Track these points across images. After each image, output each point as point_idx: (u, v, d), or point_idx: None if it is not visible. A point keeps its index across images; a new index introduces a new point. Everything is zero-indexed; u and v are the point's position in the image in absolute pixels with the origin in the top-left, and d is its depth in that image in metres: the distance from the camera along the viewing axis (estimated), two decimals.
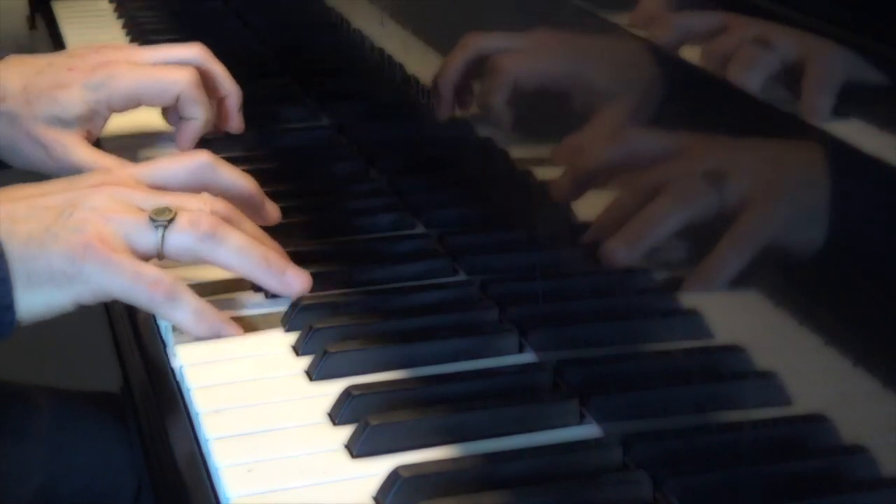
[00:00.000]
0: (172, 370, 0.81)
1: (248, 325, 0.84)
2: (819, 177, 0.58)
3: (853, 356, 0.56)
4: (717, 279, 0.66)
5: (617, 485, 0.67)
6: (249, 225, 0.86)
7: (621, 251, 0.73)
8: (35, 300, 0.81)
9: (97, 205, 0.82)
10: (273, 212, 0.93)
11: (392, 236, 0.96)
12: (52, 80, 1.03)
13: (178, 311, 0.81)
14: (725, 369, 0.66)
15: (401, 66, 1.05)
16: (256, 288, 0.87)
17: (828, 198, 0.57)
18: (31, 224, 0.81)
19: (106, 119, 1.05)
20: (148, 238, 0.82)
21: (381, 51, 1.10)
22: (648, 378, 0.72)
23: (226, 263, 0.83)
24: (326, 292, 0.86)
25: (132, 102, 1.05)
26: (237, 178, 0.90)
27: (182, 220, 0.82)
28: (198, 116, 1.05)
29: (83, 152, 1.02)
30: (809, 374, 0.60)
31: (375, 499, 0.67)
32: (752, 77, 0.61)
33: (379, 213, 0.98)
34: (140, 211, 0.83)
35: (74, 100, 1.02)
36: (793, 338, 0.60)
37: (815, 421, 0.59)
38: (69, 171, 0.99)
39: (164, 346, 0.83)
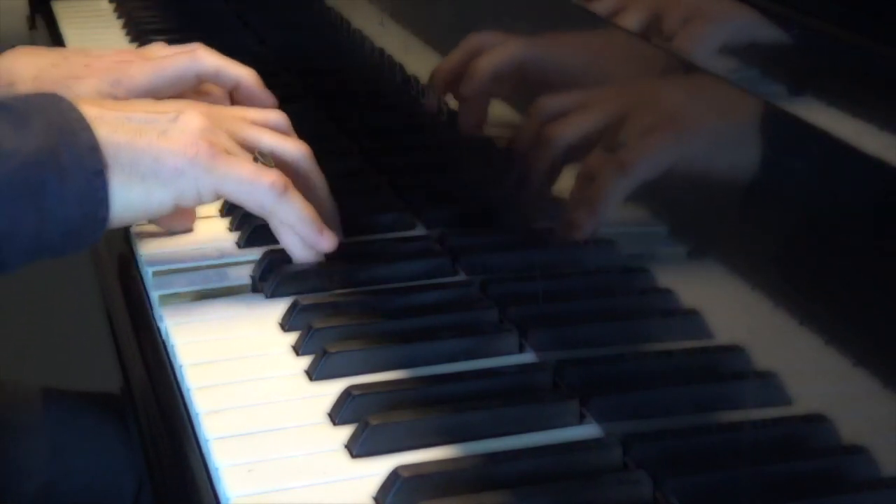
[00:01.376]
0: (173, 370, 0.81)
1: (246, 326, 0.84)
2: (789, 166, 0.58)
3: (853, 356, 0.56)
4: (601, 207, 0.68)
5: (617, 485, 0.67)
6: (321, 178, 0.91)
7: (583, 223, 0.75)
8: (134, 196, 0.81)
9: (200, 115, 0.84)
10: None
11: (392, 236, 0.96)
12: (66, 72, 1.02)
13: (287, 205, 0.84)
14: (725, 369, 0.66)
15: (401, 66, 1.05)
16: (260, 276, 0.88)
17: (820, 199, 0.57)
18: (135, 122, 0.82)
19: None
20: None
21: (381, 51, 1.10)
22: (648, 378, 0.72)
23: (286, 222, 0.85)
24: (326, 292, 0.87)
25: (151, 95, 1.04)
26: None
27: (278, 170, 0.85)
28: (238, 76, 1.02)
29: None
30: (809, 374, 0.60)
31: (375, 499, 0.67)
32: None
33: (379, 213, 0.98)
34: (238, 146, 0.85)
35: (89, 91, 1.02)
36: (793, 338, 0.60)
37: (815, 421, 0.59)
38: None
39: (165, 346, 0.83)
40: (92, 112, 0.82)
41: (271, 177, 0.83)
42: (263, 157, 0.86)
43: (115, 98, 1.00)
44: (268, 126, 0.90)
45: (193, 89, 1.02)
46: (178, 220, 0.94)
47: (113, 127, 0.81)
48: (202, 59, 1.01)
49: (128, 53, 1.06)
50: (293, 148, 0.89)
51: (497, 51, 0.85)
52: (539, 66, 0.81)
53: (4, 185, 0.77)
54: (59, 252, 0.82)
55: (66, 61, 1.03)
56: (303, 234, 0.85)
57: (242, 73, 1.02)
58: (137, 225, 0.96)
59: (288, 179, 0.85)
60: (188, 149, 0.82)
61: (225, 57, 1.02)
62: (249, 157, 0.85)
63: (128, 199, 0.81)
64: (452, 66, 0.91)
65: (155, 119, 0.83)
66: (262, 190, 0.83)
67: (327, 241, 0.86)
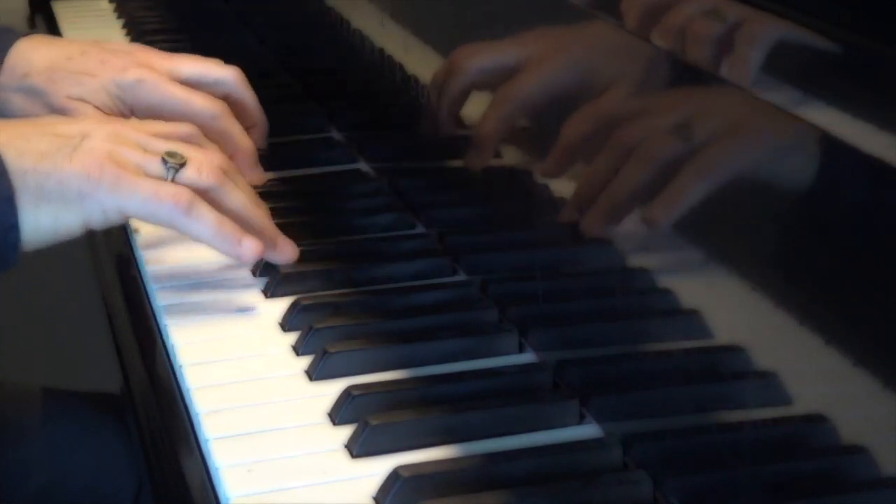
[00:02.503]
0: (173, 370, 0.81)
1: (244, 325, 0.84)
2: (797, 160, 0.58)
3: (853, 356, 0.56)
4: (677, 206, 0.67)
5: (617, 485, 0.67)
6: (244, 183, 0.88)
7: (599, 223, 0.74)
8: (42, 220, 0.81)
9: (107, 134, 0.83)
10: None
11: (392, 236, 0.96)
12: (81, 67, 1.01)
13: (196, 222, 0.82)
14: (725, 369, 0.66)
15: (400, 66, 1.05)
16: (260, 272, 0.88)
17: (822, 200, 0.57)
18: (42, 144, 0.81)
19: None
20: (159, 176, 0.83)
21: (381, 51, 1.10)
22: (648, 378, 0.72)
23: (227, 212, 0.84)
24: (326, 292, 0.87)
25: (153, 116, 1.00)
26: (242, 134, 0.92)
27: (192, 167, 0.83)
28: (234, 142, 1.00)
29: None
30: (809, 374, 0.60)
31: (375, 499, 0.67)
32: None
33: (379, 213, 0.98)
34: (149, 151, 0.84)
35: (99, 89, 1.00)
36: (793, 338, 0.60)
37: (815, 421, 0.59)
38: None
39: (165, 346, 0.83)
40: (1, 138, 0.81)
41: (173, 196, 0.81)
42: (173, 157, 0.83)
43: (122, 101, 1.00)
44: (177, 137, 0.87)
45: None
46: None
47: (20, 151, 0.81)
48: (206, 118, 0.98)
49: (149, 55, 1.04)
50: (221, 71, 0.89)
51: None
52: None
53: None
54: None
55: (83, 55, 1.02)
56: (220, 249, 0.83)
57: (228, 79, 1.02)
58: (136, 224, 0.96)
59: (193, 194, 0.82)
60: (92, 170, 0.81)
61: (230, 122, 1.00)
62: (158, 163, 0.83)
63: (36, 223, 0.80)
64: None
65: (62, 141, 0.82)
66: (165, 209, 0.81)
67: (248, 252, 0.84)
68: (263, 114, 1.04)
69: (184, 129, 0.89)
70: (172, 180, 0.83)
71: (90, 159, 0.81)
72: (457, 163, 0.97)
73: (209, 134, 0.95)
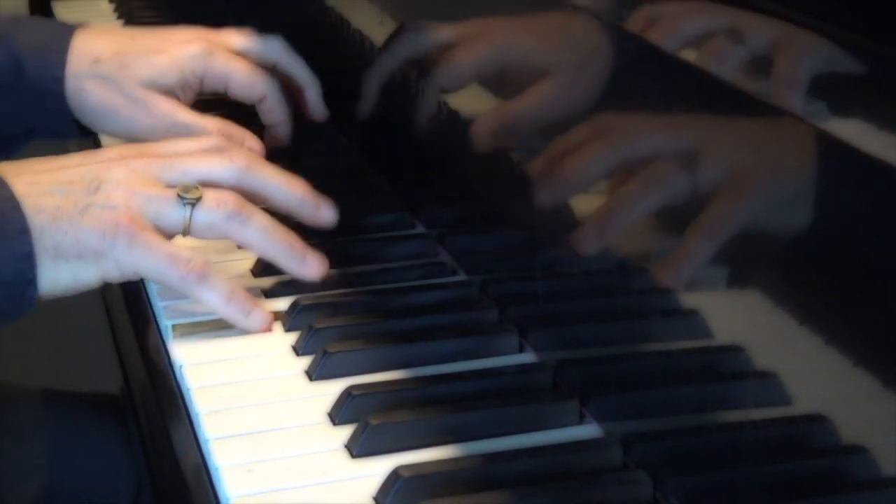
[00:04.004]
0: (173, 370, 0.81)
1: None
2: (799, 170, 0.58)
3: (853, 356, 0.56)
4: (687, 267, 0.66)
5: (617, 485, 0.67)
6: (272, 169, 0.88)
7: (590, 238, 0.74)
8: (61, 275, 0.80)
9: (121, 178, 0.82)
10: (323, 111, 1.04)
11: (392, 236, 0.96)
12: (147, 45, 1.01)
13: (208, 292, 0.82)
14: (725, 369, 0.66)
15: (400, 66, 1.05)
16: (261, 271, 0.88)
17: (813, 192, 0.57)
18: (57, 198, 0.81)
19: (194, 94, 1.04)
20: (176, 215, 0.82)
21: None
22: (648, 378, 0.72)
23: (250, 242, 0.84)
24: (326, 292, 0.87)
25: (221, 86, 1.03)
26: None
27: (209, 199, 0.83)
28: (277, 122, 1.04)
29: (188, 113, 1.00)
30: (809, 374, 0.60)
31: (375, 499, 0.67)
32: (725, 63, 0.62)
33: (379, 213, 0.98)
34: (165, 187, 0.83)
35: (171, 65, 1.01)
36: (793, 338, 0.60)
37: (815, 421, 0.59)
38: (173, 131, 0.98)
39: (165, 346, 0.83)
40: (21, 188, 0.81)
41: (186, 264, 0.81)
42: (188, 193, 0.83)
43: (194, 73, 1.01)
44: (200, 151, 0.87)
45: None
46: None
47: (37, 207, 0.80)
48: (272, 92, 1.03)
49: (200, 30, 1.06)
50: (223, 168, 0.86)
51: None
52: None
53: None
54: None
55: (143, 35, 1.04)
56: (231, 318, 0.83)
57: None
58: None
59: (206, 263, 0.82)
60: (107, 229, 0.80)
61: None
62: (173, 201, 0.82)
63: (55, 279, 0.80)
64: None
65: (77, 192, 0.81)
66: (177, 277, 0.81)
67: (256, 322, 0.83)
68: (311, 74, 1.07)
69: (205, 142, 0.89)
70: (190, 217, 0.82)
71: (105, 216, 0.80)
72: (457, 162, 0.97)
73: (277, 100, 1.02)
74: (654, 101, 0.70)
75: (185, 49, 1.02)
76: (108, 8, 1.61)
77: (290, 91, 1.05)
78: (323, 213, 0.89)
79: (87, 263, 0.80)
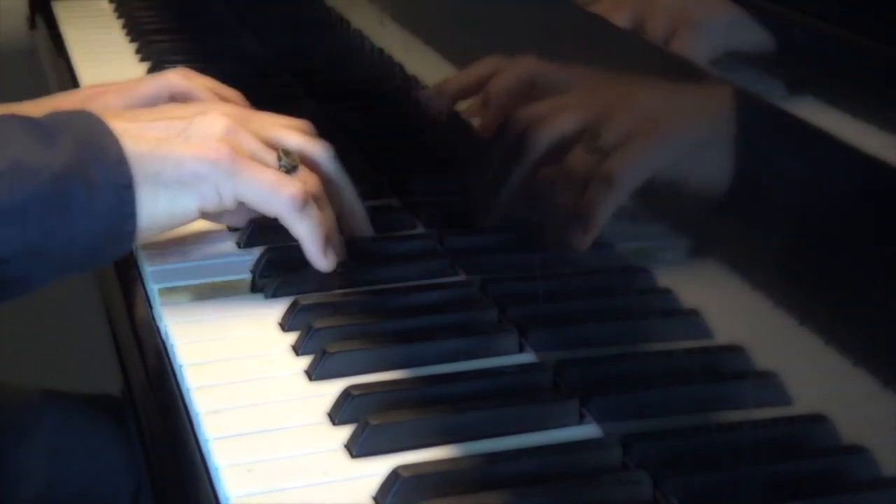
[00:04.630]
0: (173, 370, 0.81)
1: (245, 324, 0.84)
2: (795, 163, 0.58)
3: (853, 356, 0.56)
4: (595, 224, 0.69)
5: (617, 485, 0.67)
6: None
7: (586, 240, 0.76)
8: (160, 203, 0.81)
9: (225, 122, 0.84)
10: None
11: (392, 236, 0.96)
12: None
13: (307, 222, 0.83)
14: (725, 369, 0.66)
15: (401, 66, 1.05)
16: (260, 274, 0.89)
17: (822, 199, 0.57)
18: (158, 131, 0.82)
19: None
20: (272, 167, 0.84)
21: (381, 51, 1.10)
22: (648, 378, 0.72)
23: (304, 230, 0.84)
24: (326, 292, 0.87)
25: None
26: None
27: (303, 172, 0.85)
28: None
29: None
30: (809, 374, 0.60)
31: (375, 499, 0.67)
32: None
33: (379, 214, 0.98)
34: (265, 144, 0.85)
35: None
36: (793, 338, 0.60)
37: (815, 421, 0.59)
38: None
39: (165, 346, 0.83)
40: (118, 125, 0.81)
41: (292, 189, 0.83)
42: (288, 157, 0.85)
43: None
44: (293, 128, 0.89)
45: None
46: (232, 216, 0.92)
47: (136, 138, 0.81)
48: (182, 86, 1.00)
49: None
50: (319, 148, 0.88)
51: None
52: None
53: (34, 200, 0.77)
54: (86, 267, 0.82)
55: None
56: (307, 248, 0.85)
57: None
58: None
59: (310, 193, 0.84)
60: (210, 153, 0.81)
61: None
62: (273, 156, 0.85)
63: (154, 209, 0.81)
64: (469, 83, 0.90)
65: (178, 124, 0.83)
66: (280, 201, 0.82)
67: (326, 264, 0.85)
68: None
69: (299, 122, 0.91)
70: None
71: (208, 141, 0.82)
72: (457, 162, 0.97)
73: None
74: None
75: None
76: (109, 8, 1.61)
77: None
78: (329, 258, 0.87)
79: (186, 189, 0.81)
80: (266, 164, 0.84)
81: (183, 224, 0.85)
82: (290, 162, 0.85)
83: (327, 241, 0.85)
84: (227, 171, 0.81)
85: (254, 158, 0.84)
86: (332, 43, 1.26)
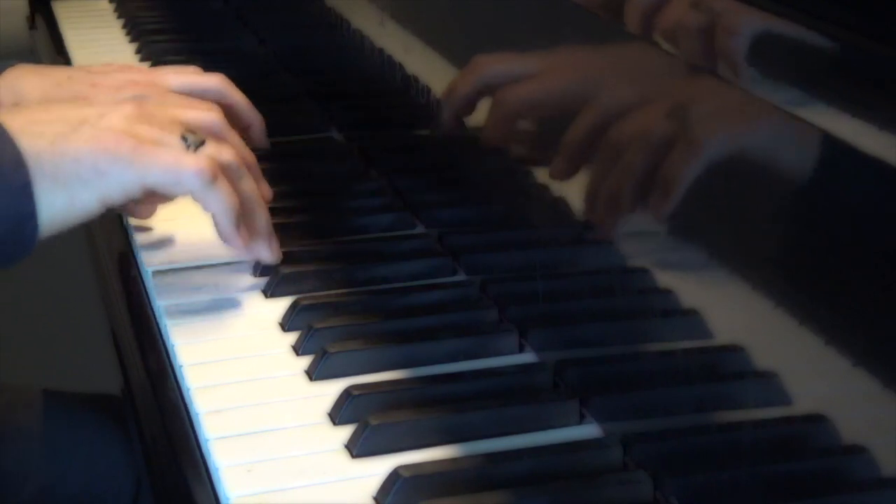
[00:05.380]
0: (173, 370, 0.81)
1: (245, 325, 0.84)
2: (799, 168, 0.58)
3: (853, 356, 0.56)
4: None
5: (617, 485, 0.67)
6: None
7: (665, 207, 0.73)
8: (58, 204, 0.79)
9: (128, 112, 0.82)
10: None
11: (392, 236, 0.96)
12: (73, 92, 0.99)
13: (218, 194, 0.82)
14: (725, 369, 0.66)
15: (401, 66, 1.05)
16: (260, 272, 0.89)
17: (822, 200, 0.57)
18: (56, 126, 0.80)
19: None
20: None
21: (381, 51, 1.10)
22: (648, 378, 0.72)
23: (228, 201, 0.83)
24: (326, 292, 0.87)
25: None
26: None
27: (211, 146, 0.83)
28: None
29: None
30: (809, 374, 0.60)
31: (375, 499, 0.67)
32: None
33: (379, 213, 0.98)
34: (167, 127, 0.83)
35: None
36: (793, 338, 0.60)
37: (815, 421, 0.59)
38: None
39: (165, 346, 0.83)
40: (14, 124, 0.80)
41: (196, 164, 0.81)
42: (193, 134, 0.83)
43: None
44: (206, 95, 0.89)
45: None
46: (142, 209, 0.93)
47: (34, 136, 0.79)
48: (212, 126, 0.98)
49: (135, 72, 1.04)
50: (213, 80, 0.90)
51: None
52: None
53: None
54: None
55: (70, 81, 1.00)
56: (218, 223, 0.84)
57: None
58: (137, 224, 0.96)
59: (218, 166, 0.82)
60: (109, 144, 0.79)
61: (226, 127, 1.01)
62: (177, 138, 0.82)
63: (52, 208, 0.79)
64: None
65: (78, 121, 0.81)
66: (187, 176, 0.81)
67: (237, 242, 0.85)
68: (257, 112, 1.03)
69: (208, 106, 0.89)
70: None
71: (107, 134, 0.80)
72: (457, 163, 0.97)
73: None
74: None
75: (114, 96, 0.97)
76: (109, 8, 1.61)
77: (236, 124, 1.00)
78: (261, 252, 0.88)
79: (86, 185, 0.79)
80: (170, 147, 0.82)
81: (85, 220, 0.82)
82: (196, 139, 0.82)
83: (236, 219, 0.84)
84: (128, 161, 0.80)
85: (157, 144, 0.82)
86: (332, 43, 1.26)
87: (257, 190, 0.87)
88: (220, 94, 1.01)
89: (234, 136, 0.89)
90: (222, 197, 0.82)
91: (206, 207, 0.83)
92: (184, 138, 0.82)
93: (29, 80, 1.00)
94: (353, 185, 1.05)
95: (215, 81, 1.02)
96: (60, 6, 1.61)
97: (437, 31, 0.99)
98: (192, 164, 0.81)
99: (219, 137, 0.87)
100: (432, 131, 0.98)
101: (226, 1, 1.63)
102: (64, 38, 1.49)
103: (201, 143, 0.83)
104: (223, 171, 0.83)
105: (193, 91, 0.99)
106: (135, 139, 0.81)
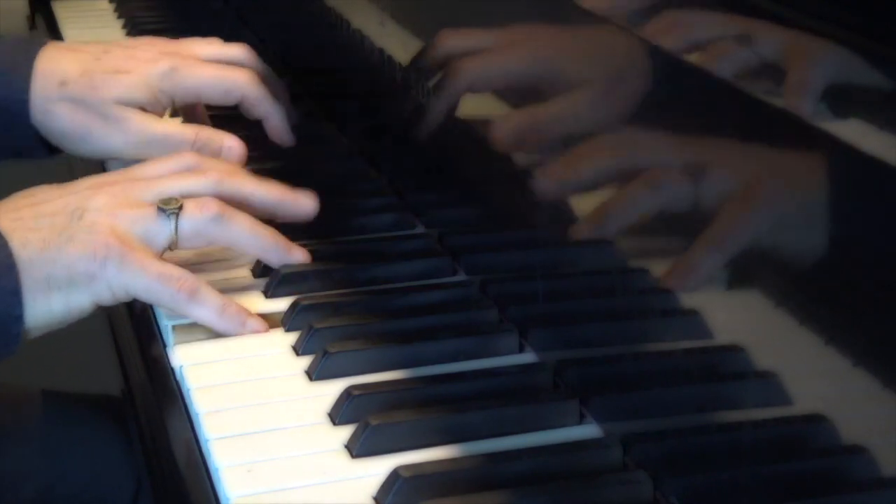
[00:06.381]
0: (173, 370, 0.81)
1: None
2: (811, 180, 0.58)
3: (853, 356, 0.56)
4: (692, 277, 0.66)
5: (617, 485, 0.67)
6: (252, 180, 0.89)
7: (589, 227, 0.75)
8: (55, 306, 0.81)
9: (102, 204, 0.83)
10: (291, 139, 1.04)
11: (392, 236, 0.96)
12: (112, 65, 1.00)
13: (201, 308, 0.82)
14: (725, 369, 0.66)
15: (401, 66, 1.05)
16: (262, 271, 0.89)
17: (822, 201, 0.57)
18: (43, 231, 0.81)
19: (165, 110, 1.03)
20: (162, 229, 0.83)
21: (381, 51, 1.10)
22: (648, 378, 0.72)
23: (238, 241, 0.85)
24: (326, 292, 0.87)
25: (194, 98, 1.02)
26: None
27: (190, 206, 0.83)
28: (268, 114, 1.03)
29: (162, 124, 1.00)
30: (809, 374, 0.60)
31: (375, 499, 0.67)
32: (734, 71, 0.61)
33: (379, 213, 0.98)
34: (146, 204, 0.83)
35: (140, 85, 1.00)
36: (793, 338, 0.60)
37: (815, 421, 0.59)
38: (149, 145, 0.98)
39: (165, 346, 0.83)
40: (3, 224, 0.81)
41: (177, 281, 0.81)
42: (169, 205, 0.83)
43: (162, 91, 1.00)
44: (175, 172, 0.87)
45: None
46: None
47: (23, 241, 0.80)
48: (247, 89, 1.02)
49: (167, 43, 1.05)
50: (197, 184, 0.86)
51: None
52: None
53: None
54: None
55: (108, 54, 1.02)
56: (225, 331, 0.83)
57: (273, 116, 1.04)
58: None
59: (196, 280, 0.82)
60: (98, 250, 0.80)
61: (264, 88, 1.03)
62: (153, 217, 0.83)
63: (49, 311, 0.80)
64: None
65: (61, 221, 0.81)
66: (168, 294, 0.81)
67: (252, 329, 0.83)
68: (280, 81, 1.08)
69: (177, 163, 0.89)
70: (176, 227, 0.83)
71: (93, 238, 0.81)
72: (457, 163, 0.97)
73: (258, 92, 1.01)
74: (666, 110, 0.70)
75: (152, 68, 1.00)
76: (109, 8, 1.61)
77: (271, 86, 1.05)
78: (302, 204, 0.90)
79: (78, 288, 0.80)
80: (155, 249, 0.83)
81: (79, 318, 0.83)
82: (173, 208, 0.83)
83: (243, 312, 0.83)
84: (116, 267, 0.80)
85: (144, 242, 0.82)
86: (332, 43, 1.26)
87: (251, 220, 0.86)
88: (247, 62, 1.04)
89: (215, 166, 0.89)
90: (207, 309, 0.82)
91: (195, 320, 0.83)
92: (161, 210, 0.83)
93: (67, 58, 1.01)
94: (353, 185, 1.05)
95: (240, 51, 1.05)
96: (60, 6, 1.61)
97: (437, 31, 0.99)
98: (172, 281, 0.81)
99: (201, 172, 0.87)
100: (418, 118, 0.98)
101: (226, 1, 1.63)
102: (64, 38, 1.49)
103: (179, 209, 0.83)
104: (211, 226, 0.84)
105: (221, 60, 1.03)
106: (121, 243, 0.81)
